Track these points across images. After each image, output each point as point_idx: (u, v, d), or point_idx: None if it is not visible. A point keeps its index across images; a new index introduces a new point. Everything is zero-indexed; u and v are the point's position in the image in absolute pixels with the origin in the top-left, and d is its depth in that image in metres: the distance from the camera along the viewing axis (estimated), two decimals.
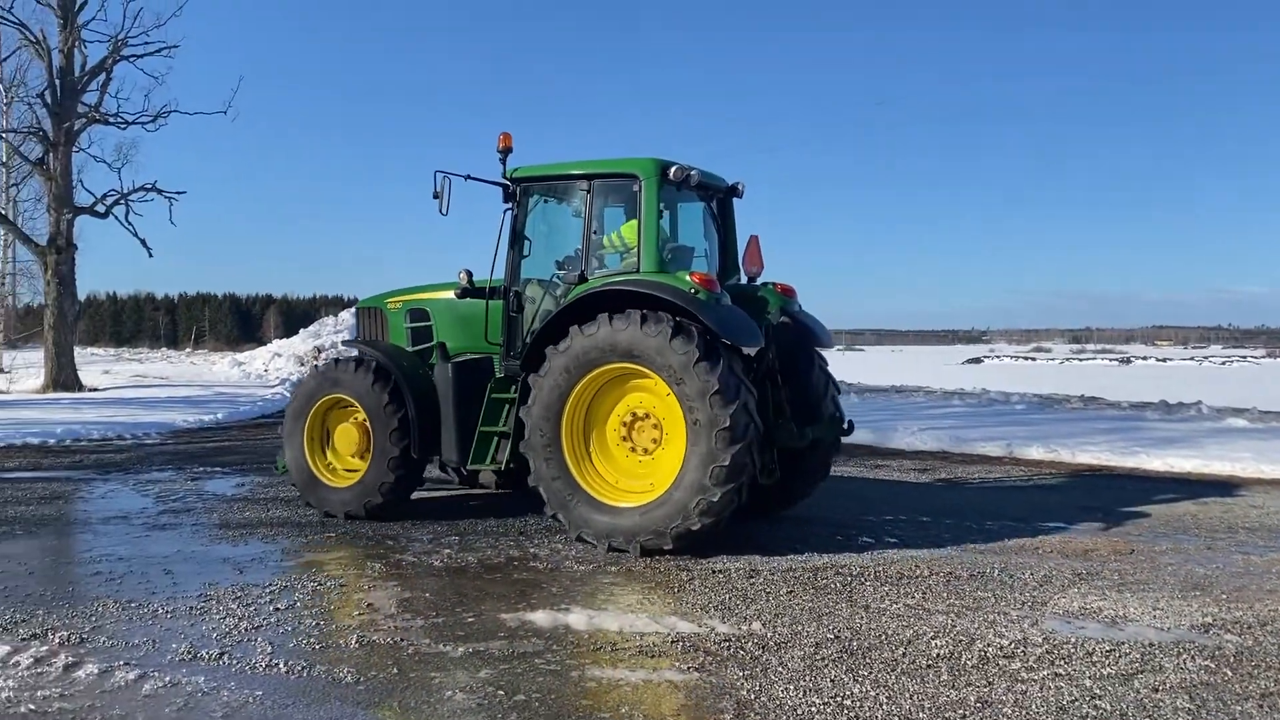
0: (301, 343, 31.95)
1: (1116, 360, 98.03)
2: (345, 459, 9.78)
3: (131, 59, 27.93)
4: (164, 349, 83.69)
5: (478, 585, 7.24)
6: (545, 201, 9.50)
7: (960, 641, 5.99)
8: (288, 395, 26.24)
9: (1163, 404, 21.19)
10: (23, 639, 5.91)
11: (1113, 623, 6.44)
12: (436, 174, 8.80)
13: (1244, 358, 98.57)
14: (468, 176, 9.08)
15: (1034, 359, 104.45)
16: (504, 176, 9.21)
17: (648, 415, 8.22)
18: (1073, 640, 6.04)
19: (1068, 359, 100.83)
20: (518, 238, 9.20)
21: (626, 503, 8.12)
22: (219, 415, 20.85)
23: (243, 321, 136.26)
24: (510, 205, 9.22)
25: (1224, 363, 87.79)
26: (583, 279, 8.71)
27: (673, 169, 8.65)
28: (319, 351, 30.79)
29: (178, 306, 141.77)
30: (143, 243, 28.46)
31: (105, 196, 27.99)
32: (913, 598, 6.97)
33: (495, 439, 9.04)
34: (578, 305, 8.35)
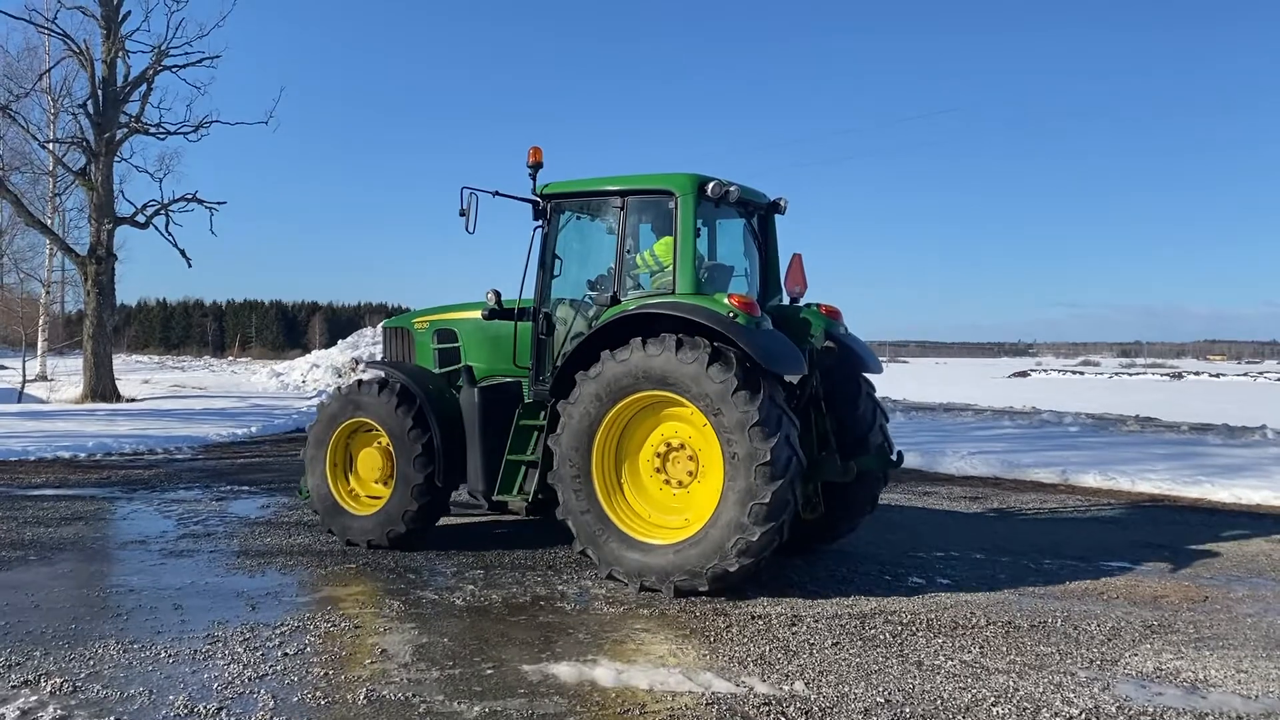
0: (340, 354, 31.72)
1: (1167, 375, 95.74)
2: (368, 485, 9.37)
3: (174, 69, 28.08)
4: (207, 357, 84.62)
5: (500, 629, 6.78)
6: (577, 219, 9.08)
7: (1025, 710, 5.44)
8: None
9: (1225, 427, 20.31)
10: (13, 686, 5.55)
11: (1193, 688, 5.85)
12: (463, 190, 8.45)
13: None
14: (495, 193, 8.72)
15: (1082, 373, 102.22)
16: (534, 192, 8.82)
17: (683, 446, 7.74)
18: (1150, 711, 5.47)
19: (1116, 373, 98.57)
20: (548, 256, 8.80)
21: (660, 539, 7.64)
22: (253, 429, 20.67)
23: (289, 328, 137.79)
24: (540, 223, 8.83)
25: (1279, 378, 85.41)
26: (615, 300, 8.27)
27: (710, 185, 8.22)
28: (357, 363, 30.59)
29: (225, 313, 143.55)
30: (182, 253, 28.56)
31: (145, 206, 28.14)
32: (969, 652, 6.42)
33: (523, 468, 8.62)
34: (610, 328, 7.93)
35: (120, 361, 28.37)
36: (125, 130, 27.89)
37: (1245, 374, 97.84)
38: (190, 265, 28.95)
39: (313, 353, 33.73)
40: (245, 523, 10.58)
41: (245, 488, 13.14)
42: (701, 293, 8.02)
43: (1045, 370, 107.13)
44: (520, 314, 8.95)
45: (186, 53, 28.03)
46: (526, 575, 8.31)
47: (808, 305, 9.00)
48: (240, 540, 9.61)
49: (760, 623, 7.02)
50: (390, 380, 9.18)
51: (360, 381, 9.45)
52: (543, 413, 8.54)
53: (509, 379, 9.18)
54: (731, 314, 7.55)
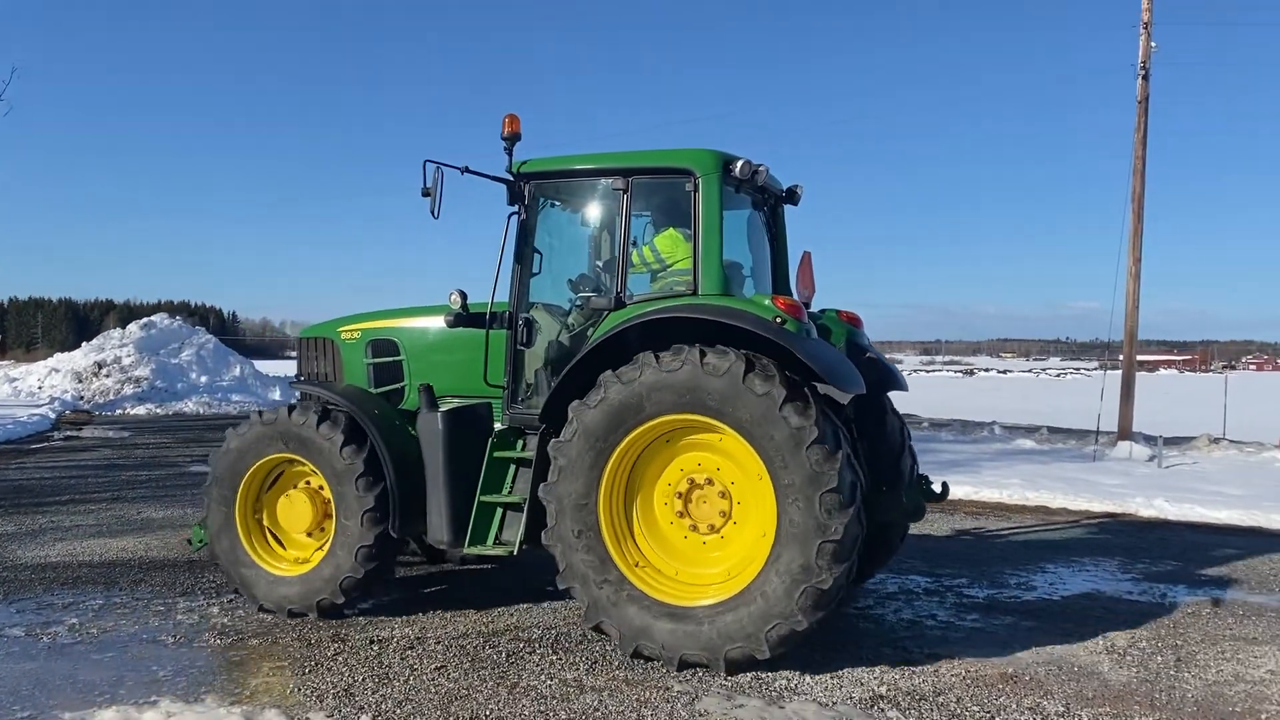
0: (83, 357, 29.48)
1: (961, 372, 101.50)
2: (291, 536, 7.55)
3: None
4: None
5: (70, 669, 6.15)
6: (563, 204, 7.67)
7: None
8: (50, 417, 24.48)
9: (958, 423, 21.37)
10: None
11: (778, 696, 5.86)
12: (426, 164, 6.82)
13: (1078, 369, 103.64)
14: (465, 169, 7.12)
15: None
16: (509, 170, 7.34)
17: (710, 482, 6.38)
18: None
19: (916, 370, 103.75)
20: (526, 250, 7.30)
21: (696, 600, 6.22)
22: None
23: (80, 328, 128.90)
24: (517, 208, 7.31)
25: (1059, 375, 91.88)
26: (620, 304, 6.89)
27: (738, 164, 6.88)
28: (100, 367, 28.67)
29: (7, 311, 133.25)
30: None
31: None
32: (576, 670, 6.25)
33: (500, 511, 7.00)
34: (612, 340, 6.54)
35: None
36: None
37: (1030, 370, 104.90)
38: None
39: (54, 356, 31.26)
40: None
41: None
42: (729, 294, 6.78)
43: None
44: (490, 320, 7.41)
45: None
46: (155, 604, 7.70)
47: (823, 311, 7.71)
48: None
49: (375, 648, 6.67)
50: (331, 407, 7.44)
51: (290, 408, 7.45)
52: (521, 442, 7.10)
53: (474, 400, 7.51)
54: (778, 319, 6.30)
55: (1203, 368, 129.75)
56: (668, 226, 7.13)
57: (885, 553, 7.84)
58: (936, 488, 7.91)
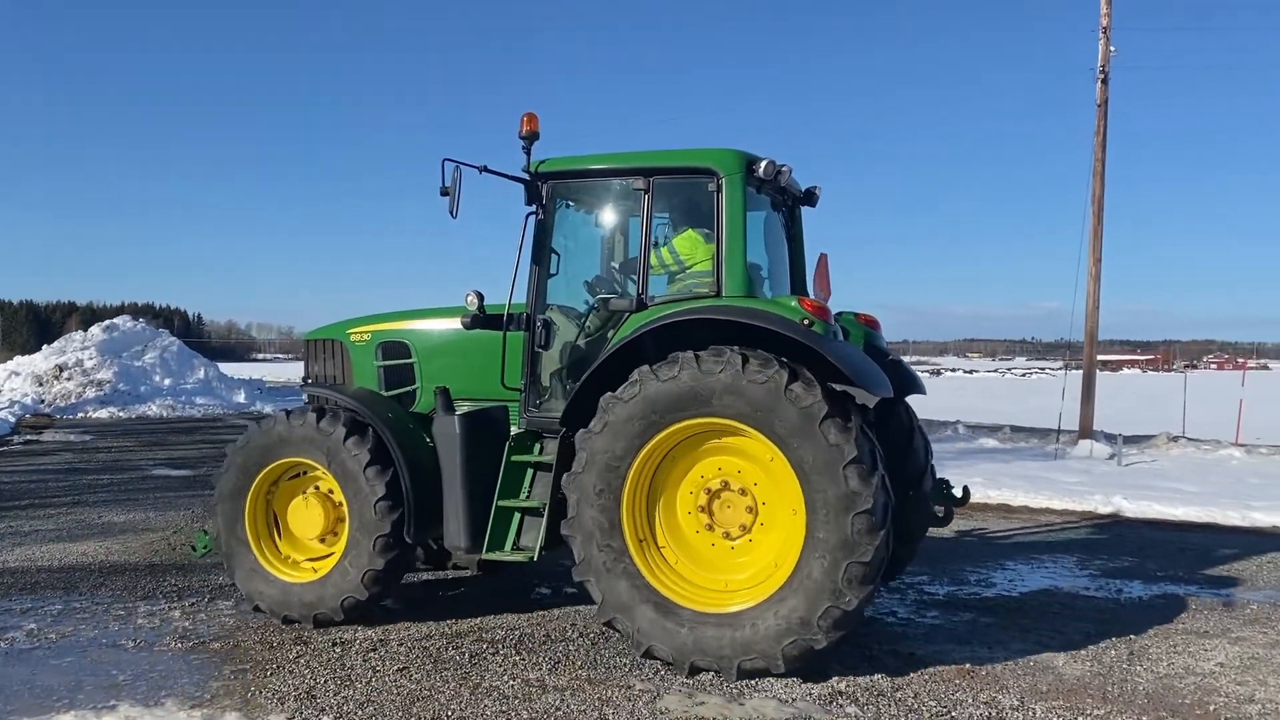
0: (44, 360, 29.05)
1: (928, 372, 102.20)
2: (303, 543, 7.38)
3: None
4: None
5: (28, 674, 6.10)
6: (582, 204, 7.58)
7: None
8: (10, 420, 24.14)
9: (922, 423, 21.52)
10: None
11: (737, 694, 5.91)
12: (445, 163, 6.73)
13: (1043, 369, 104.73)
14: (483, 168, 7.03)
15: None
16: (526, 170, 7.24)
17: (737, 487, 6.33)
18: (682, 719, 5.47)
19: None
20: (543, 250, 7.20)
21: (715, 607, 6.15)
22: None
23: (41, 330, 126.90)
24: (534, 208, 7.22)
25: (1025, 374, 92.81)
26: (641, 306, 6.81)
27: (762, 164, 6.84)
28: (61, 370, 28.30)
29: None
30: None
31: None
32: (539, 670, 6.28)
33: (518, 516, 6.87)
34: (633, 341, 6.47)
35: None
36: None
37: (995, 370, 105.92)
38: None
39: (14, 359, 30.82)
40: None
41: None
42: (753, 296, 6.72)
43: None
44: (509, 321, 7.25)
45: None
46: (115, 608, 7.64)
47: (840, 313, 7.54)
48: None
49: (338, 650, 6.67)
50: (341, 409, 7.31)
51: (289, 411, 7.39)
52: (538, 446, 7.01)
53: (490, 403, 7.39)
54: (806, 320, 6.23)
55: (1165, 367, 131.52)
56: (686, 227, 7.07)
57: (906, 556, 7.67)
58: (957, 492, 7.86)
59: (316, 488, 7.31)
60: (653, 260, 6.93)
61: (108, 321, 33.18)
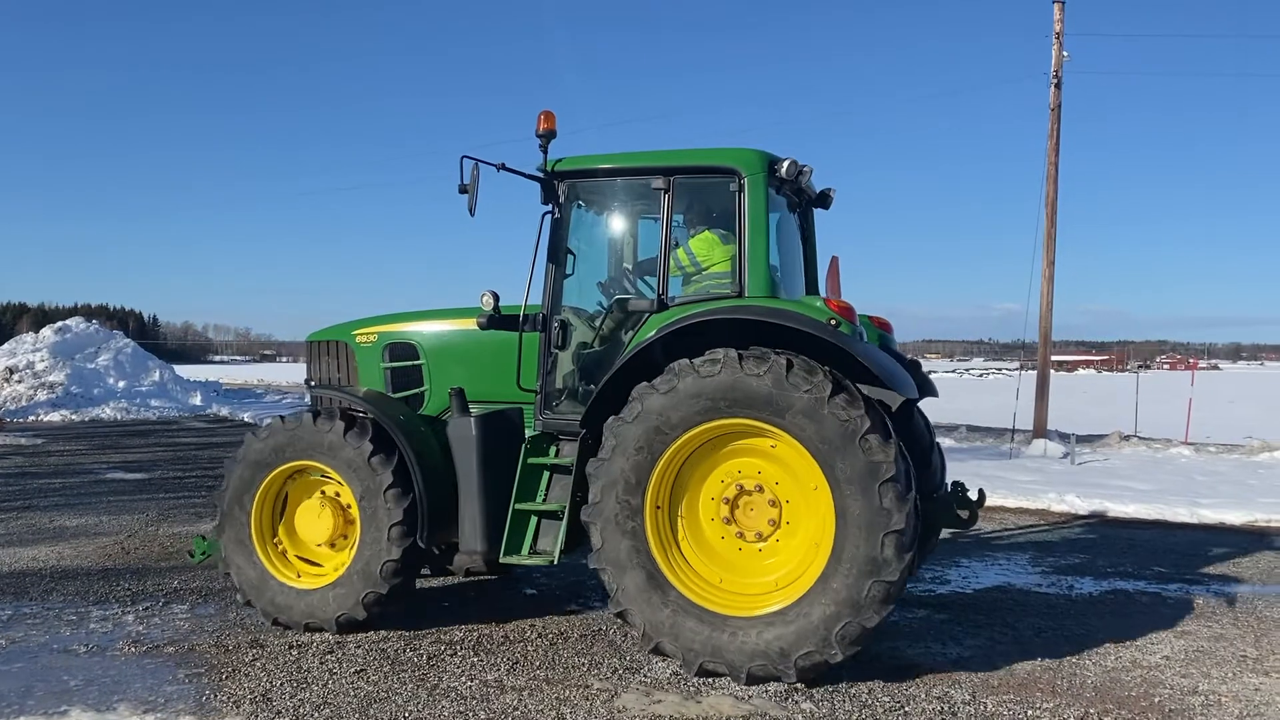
0: None
1: None
2: (309, 548, 7.24)
3: None
4: None
5: None
6: (599, 204, 7.53)
7: None
8: None
9: None
10: None
11: (695, 692, 5.96)
12: (464, 160, 6.61)
13: (1000, 370, 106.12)
14: (501, 166, 6.93)
15: None
16: (543, 168, 7.14)
17: (760, 489, 6.24)
18: (640, 718, 5.51)
19: None
20: (560, 250, 7.10)
21: (736, 610, 6.09)
22: None
23: None
24: (551, 207, 7.12)
25: (982, 375, 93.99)
26: (662, 306, 6.72)
27: (784, 164, 6.80)
28: (11, 372, 27.82)
29: None
30: None
31: None
32: (496, 671, 6.29)
33: (535, 519, 6.77)
34: (655, 341, 6.39)
35: None
36: None
37: (953, 370, 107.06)
38: None
39: None
40: None
41: None
42: (775, 296, 6.66)
43: None
44: (524, 322, 7.13)
45: None
46: (67, 613, 7.54)
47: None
48: None
49: (294, 652, 6.63)
50: (357, 413, 7.18)
51: (312, 413, 7.19)
52: (554, 448, 6.93)
53: (504, 405, 7.31)
54: (833, 321, 6.17)
55: (1119, 367, 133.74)
56: (702, 228, 7.04)
57: (921, 559, 7.63)
58: (972, 495, 7.92)
59: (323, 492, 7.17)
60: (670, 260, 6.88)
61: (60, 323, 32.72)
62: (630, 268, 7.44)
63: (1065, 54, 21.52)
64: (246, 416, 28.20)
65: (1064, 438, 19.67)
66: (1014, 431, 20.11)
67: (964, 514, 7.65)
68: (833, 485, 5.84)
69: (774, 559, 6.24)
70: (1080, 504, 13.25)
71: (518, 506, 6.71)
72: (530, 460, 6.80)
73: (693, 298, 6.81)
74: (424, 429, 7.25)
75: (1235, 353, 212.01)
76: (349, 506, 7.05)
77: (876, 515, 5.73)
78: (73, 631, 7.08)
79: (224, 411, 30.58)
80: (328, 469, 7.04)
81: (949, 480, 8.05)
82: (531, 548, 6.70)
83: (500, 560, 6.72)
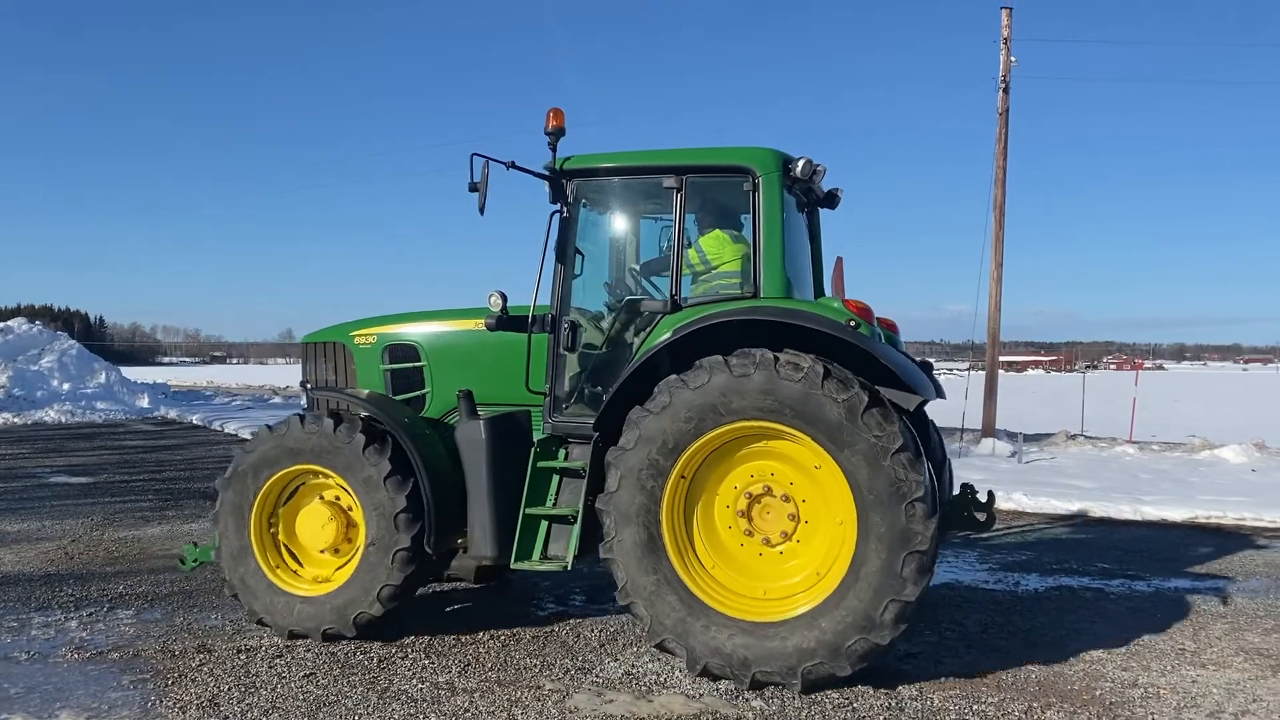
0: None
1: None
2: (310, 554, 7.09)
3: None
4: None
5: None
6: (608, 203, 7.42)
7: None
8: None
9: None
10: None
11: (647, 690, 5.99)
12: (474, 158, 6.51)
13: (951, 370, 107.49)
14: (511, 164, 6.80)
15: None
16: (551, 166, 7.00)
17: (773, 491, 6.20)
18: (590, 717, 5.53)
19: None
20: (568, 250, 6.99)
21: (767, 615, 6.03)
22: None
23: None
24: (560, 206, 7.02)
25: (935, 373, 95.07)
26: (676, 307, 6.65)
27: (800, 163, 6.76)
28: None
29: None
30: None
31: None
32: (449, 673, 6.27)
33: (545, 524, 6.62)
34: (672, 344, 6.29)
35: None
36: None
37: None
38: None
39: None
40: None
41: None
42: (791, 297, 6.62)
43: None
44: (533, 323, 6.99)
45: None
46: (8, 620, 7.40)
47: None
48: None
49: (243, 657, 6.57)
50: (359, 415, 7.06)
51: (303, 417, 7.08)
52: (563, 451, 6.80)
53: (512, 408, 7.20)
54: (852, 322, 6.14)
55: (1067, 368, 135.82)
56: (713, 228, 6.97)
57: None
58: (981, 496, 7.92)
59: (322, 496, 7.03)
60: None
61: (1, 324, 32.03)
62: (637, 268, 7.38)
63: (1013, 59, 21.86)
64: (195, 419, 27.80)
65: (1012, 437, 19.98)
66: (963, 431, 20.37)
67: (981, 516, 7.64)
68: (857, 497, 5.81)
69: (803, 554, 6.18)
70: (1027, 502, 13.46)
71: (528, 511, 6.55)
72: (540, 464, 6.67)
73: (703, 298, 6.73)
74: (429, 432, 7.14)
75: (1180, 353, 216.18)
76: (352, 508, 6.94)
77: (897, 485, 5.71)
78: (14, 638, 6.95)
79: (172, 414, 30.08)
80: (327, 472, 6.90)
81: (965, 483, 8.11)
82: (543, 553, 6.55)
83: (512, 566, 6.56)
